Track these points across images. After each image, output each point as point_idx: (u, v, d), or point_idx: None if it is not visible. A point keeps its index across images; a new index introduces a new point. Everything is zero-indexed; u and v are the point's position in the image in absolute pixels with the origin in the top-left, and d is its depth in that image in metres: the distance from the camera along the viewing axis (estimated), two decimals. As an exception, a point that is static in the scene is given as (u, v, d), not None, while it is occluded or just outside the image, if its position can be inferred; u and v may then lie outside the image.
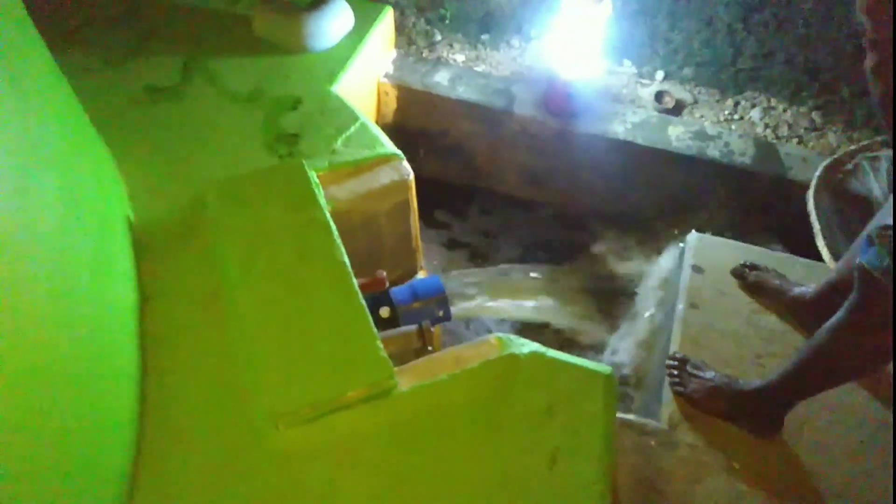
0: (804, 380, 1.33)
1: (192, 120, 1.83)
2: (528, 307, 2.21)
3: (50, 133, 1.16)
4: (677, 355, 1.59)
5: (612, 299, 2.21)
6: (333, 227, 1.52)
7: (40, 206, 0.99)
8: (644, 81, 2.55)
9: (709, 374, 1.53)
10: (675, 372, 1.56)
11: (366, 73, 2.22)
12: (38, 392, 0.93)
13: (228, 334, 1.37)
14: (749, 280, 1.76)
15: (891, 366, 1.54)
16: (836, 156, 2.05)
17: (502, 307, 2.21)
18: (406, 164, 1.78)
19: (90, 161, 1.40)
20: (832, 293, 1.52)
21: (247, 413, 1.26)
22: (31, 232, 0.95)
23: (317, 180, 1.62)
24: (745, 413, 1.47)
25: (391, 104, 2.38)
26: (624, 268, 2.26)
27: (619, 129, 2.26)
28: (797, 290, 1.67)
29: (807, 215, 1.93)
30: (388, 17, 2.28)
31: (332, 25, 2.06)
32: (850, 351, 1.22)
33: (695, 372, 1.54)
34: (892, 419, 1.51)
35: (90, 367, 1.08)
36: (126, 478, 1.17)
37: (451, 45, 2.61)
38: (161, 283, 1.44)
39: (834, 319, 1.22)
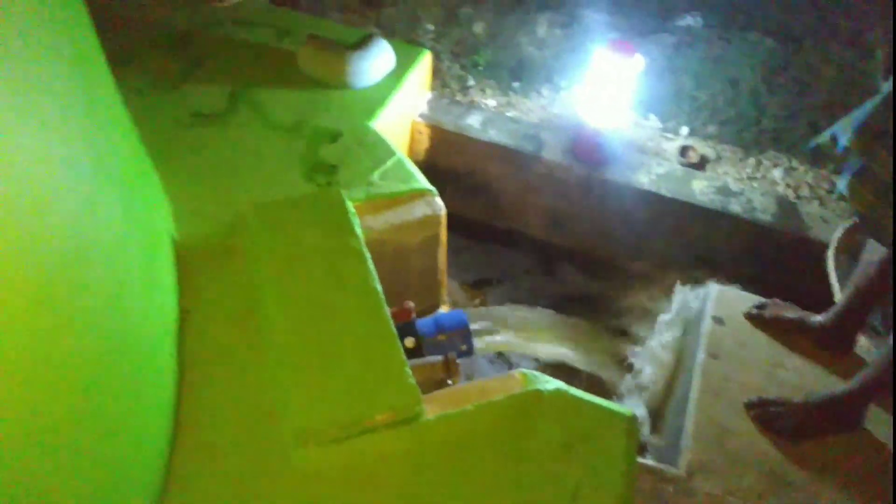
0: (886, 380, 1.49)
1: (235, 146, 1.90)
2: (548, 348, 2.24)
3: (113, 150, 1.22)
4: (753, 401, 1.64)
5: (630, 345, 2.23)
6: (367, 254, 1.57)
7: (105, 219, 1.05)
8: (669, 136, 2.62)
9: (794, 401, 1.62)
10: (764, 416, 1.62)
11: (402, 112, 2.31)
12: (87, 393, 0.97)
13: (261, 352, 1.41)
14: (766, 316, 1.82)
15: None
16: (855, 219, 2.09)
17: (522, 346, 2.24)
18: (439, 200, 1.84)
19: (142, 180, 1.47)
20: (846, 319, 1.72)
21: (276, 430, 1.29)
22: (96, 242, 1.00)
23: (353, 209, 1.68)
24: (836, 418, 1.59)
25: (424, 143, 2.46)
26: (643, 315, 2.29)
27: (645, 180, 2.32)
28: (815, 320, 1.78)
29: (825, 275, 1.96)
30: (425, 60, 2.37)
31: (374, 65, 2.15)
32: None
33: (779, 409, 1.61)
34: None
35: (134, 374, 1.12)
36: (156, 488, 1.19)
37: (483, 91, 2.71)
38: (200, 298, 1.49)
39: None
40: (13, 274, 0.73)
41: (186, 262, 1.55)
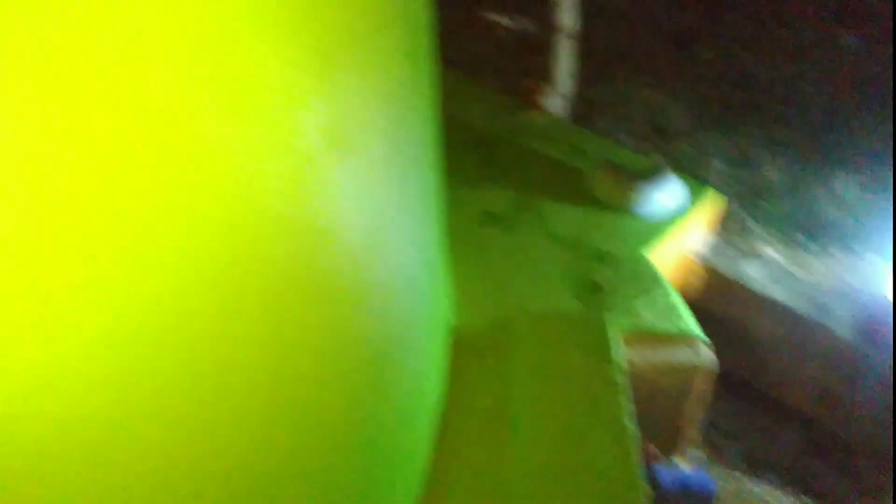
0: None
1: (515, 250, 2.01)
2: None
3: (431, 240, 1.36)
4: None
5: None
6: (627, 387, 1.53)
7: (417, 304, 1.16)
8: None
9: None
10: None
11: (678, 247, 2.26)
12: (365, 457, 1.06)
13: (505, 457, 1.43)
14: None
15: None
16: None
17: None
18: (709, 352, 1.75)
19: (442, 269, 1.61)
20: None
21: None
22: (408, 326, 1.11)
23: (617, 337, 1.66)
24: None
25: (693, 282, 2.37)
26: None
27: (955, 382, 1.98)
28: None
29: None
30: (711, 200, 2.32)
31: (661, 196, 2.16)
32: None
33: None
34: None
35: (401, 451, 1.20)
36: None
37: (765, 240, 2.56)
38: (459, 386, 1.56)
39: None
40: (353, 349, 0.84)
41: (456, 350, 1.65)
